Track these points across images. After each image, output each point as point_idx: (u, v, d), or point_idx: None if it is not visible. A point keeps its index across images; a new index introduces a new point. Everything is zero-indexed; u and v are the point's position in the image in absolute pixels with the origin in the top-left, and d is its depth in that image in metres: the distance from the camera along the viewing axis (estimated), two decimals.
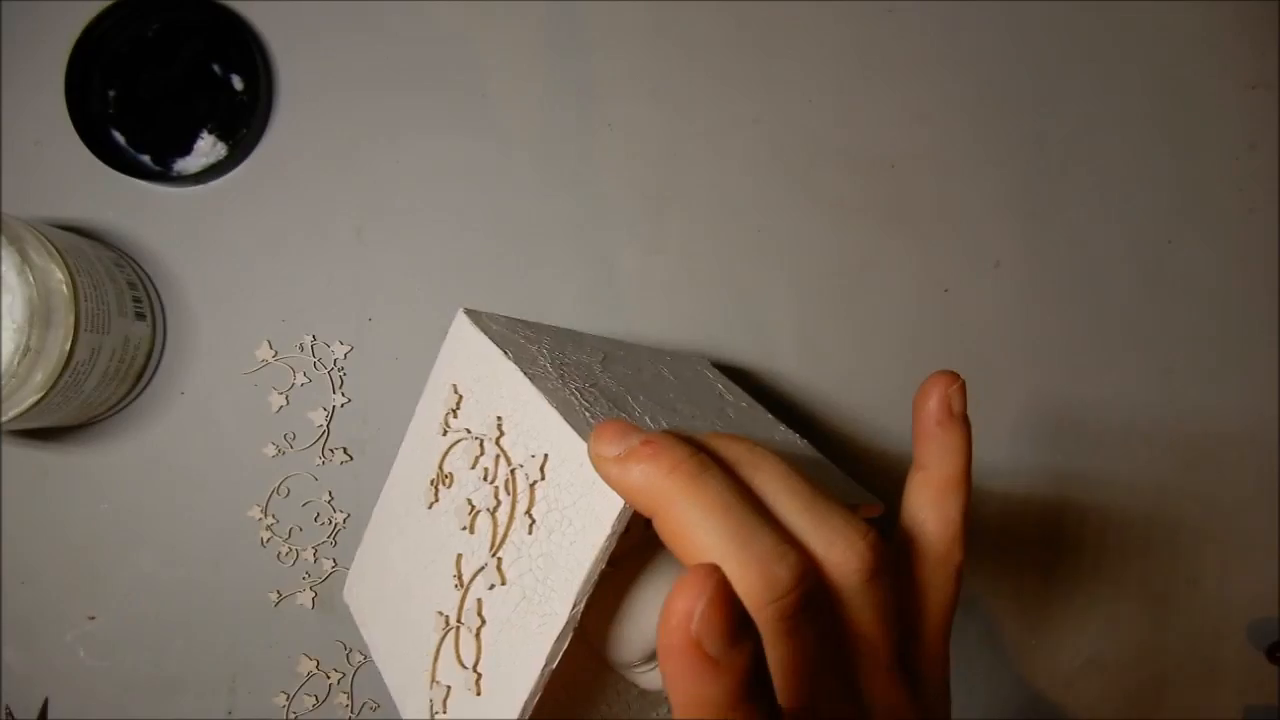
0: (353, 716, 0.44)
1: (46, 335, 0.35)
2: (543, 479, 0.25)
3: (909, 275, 0.45)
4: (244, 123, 0.43)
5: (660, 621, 0.19)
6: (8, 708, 0.42)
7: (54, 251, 0.36)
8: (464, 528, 0.27)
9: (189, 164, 0.43)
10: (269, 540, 0.43)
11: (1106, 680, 0.46)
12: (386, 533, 0.32)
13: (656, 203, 0.45)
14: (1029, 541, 0.45)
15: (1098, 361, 0.46)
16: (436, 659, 0.27)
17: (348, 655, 0.44)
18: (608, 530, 0.23)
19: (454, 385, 0.29)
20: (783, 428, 0.34)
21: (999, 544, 0.45)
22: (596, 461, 0.22)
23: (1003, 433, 0.45)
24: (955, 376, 0.25)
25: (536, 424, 0.25)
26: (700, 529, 0.20)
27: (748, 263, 0.45)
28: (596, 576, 0.23)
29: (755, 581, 0.20)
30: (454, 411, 0.29)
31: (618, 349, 0.35)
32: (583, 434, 0.24)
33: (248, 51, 0.43)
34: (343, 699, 0.44)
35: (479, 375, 0.28)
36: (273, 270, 0.44)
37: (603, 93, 0.45)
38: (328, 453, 0.43)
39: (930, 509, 0.25)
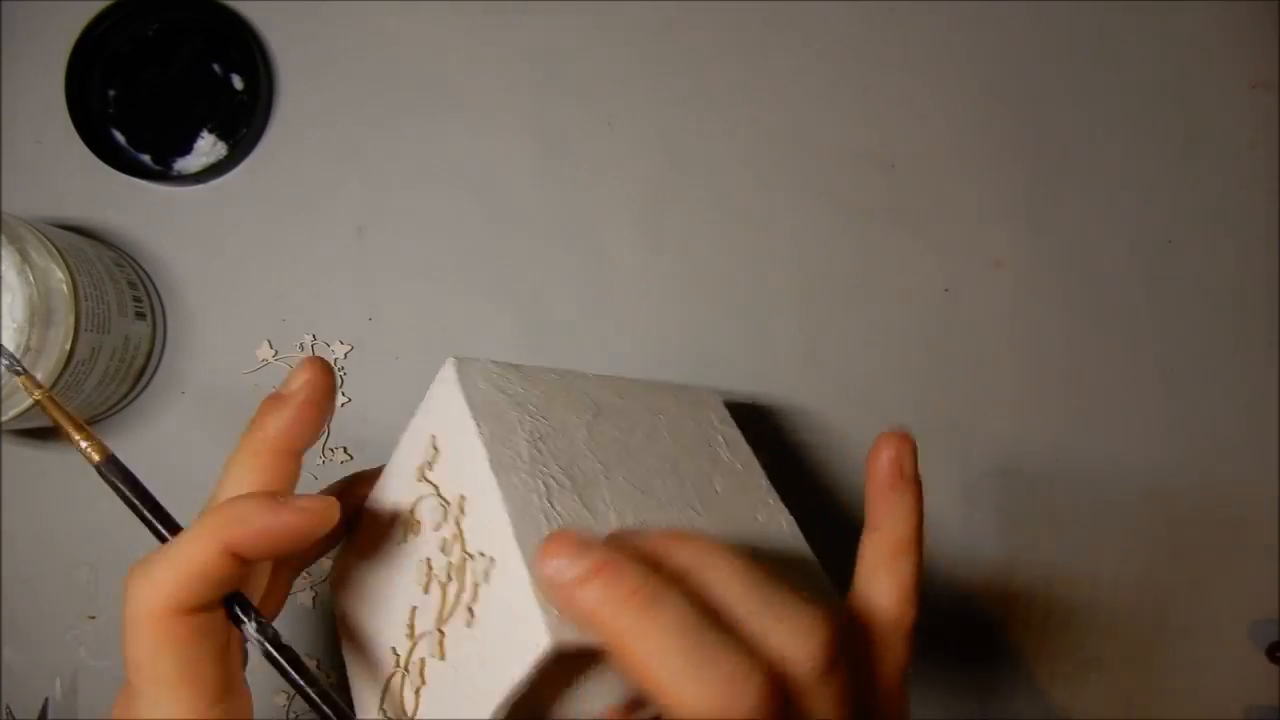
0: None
1: (46, 335, 0.35)
2: (487, 583, 0.24)
3: (909, 275, 0.45)
4: (244, 123, 0.43)
5: None
6: (8, 707, 0.42)
7: (54, 251, 0.36)
8: (420, 584, 0.27)
9: (189, 164, 0.43)
10: None
11: (1106, 680, 0.46)
12: (366, 544, 0.31)
13: (656, 203, 0.45)
14: (1029, 540, 0.45)
15: (1098, 361, 0.46)
16: (386, 691, 0.27)
17: None
18: (528, 669, 0.22)
19: (433, 437, 0.28)
20: (771, 501, 0.33)
21: (1000, 543, 0.45)
22: (546, 585, 0.21)
23: (1002, 432, 0.45)
24: (905, 438, 0.25)
25: (491, 523, 0.25)
26: (660, 660, 0.20)
27: (747, 262, 0.45)
28: (515, 700, 0.23)
29: (724, 703, 0.20)
30: (429, 465, 0.28)
31: (617, 396, 0.32)
32: (527, 552, 0.23)
33: (248, 51, 0.43)
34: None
35: (454, 441, 0.27)
36: (273, 270, 0.44)
37: (602, 93, 0.45)
38: (328, 453, 0.43)
39: (883, 570, 0.25)
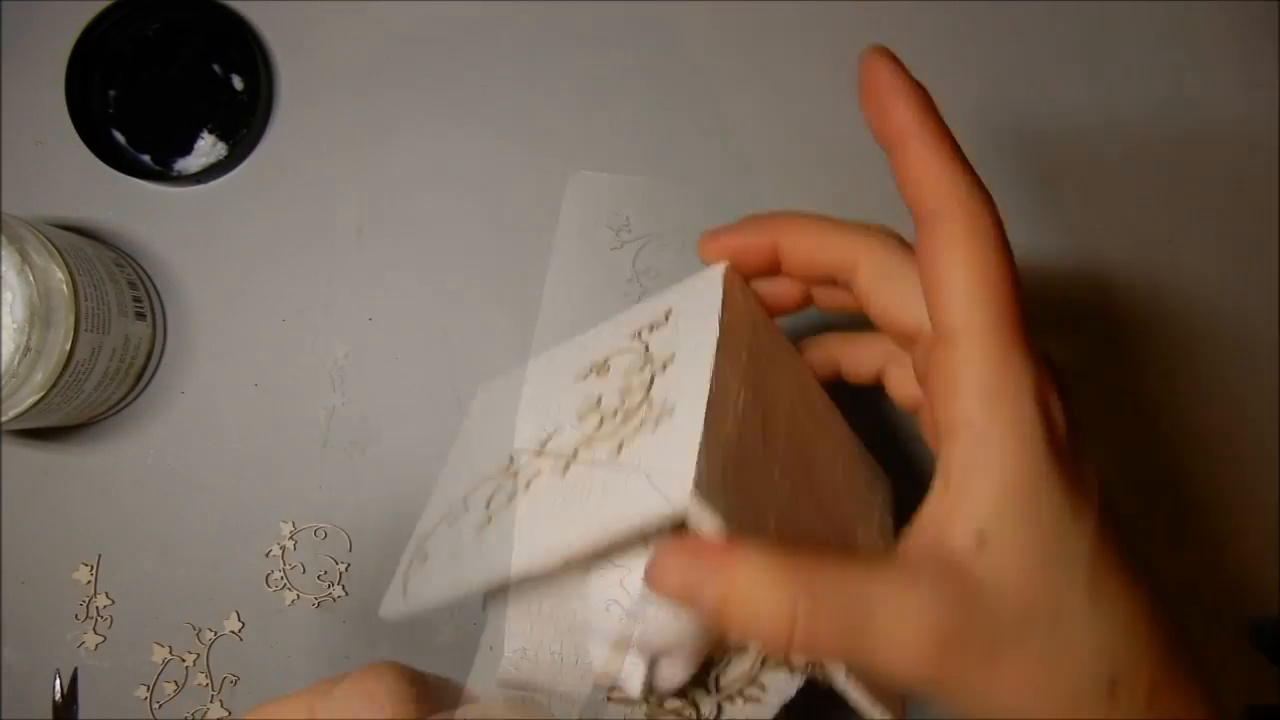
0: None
1: (46, 335, 0.35)
2: (653, 431, 0.26)
3: None
4: (244, 123, 0.43)
5: None
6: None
7: (54, 251, 0.36)
8: (578, 413, 0.28)
9: (189, 164, 0.43)
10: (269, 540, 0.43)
11: None
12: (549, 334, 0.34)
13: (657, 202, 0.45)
14: None
15: (1098, 362, 0.46)
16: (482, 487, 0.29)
17: (348, 655, 0.44)
18: (648, 517, 0.24)
19: (670, 310, 0.29)
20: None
21: None
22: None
23: None
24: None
25: (688, 382, 0.26)
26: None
27: None
28: (610, 540, 0.25)
29: None
30: (650, 328, 0.29)
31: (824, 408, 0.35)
32: (711, 416, 0.24)
33: (248, 51, 0.43)
34: None
35: (690, 319, 0.28)
36: (273, 270, 0.44)
37: (602, 93, 0.45)
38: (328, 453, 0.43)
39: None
